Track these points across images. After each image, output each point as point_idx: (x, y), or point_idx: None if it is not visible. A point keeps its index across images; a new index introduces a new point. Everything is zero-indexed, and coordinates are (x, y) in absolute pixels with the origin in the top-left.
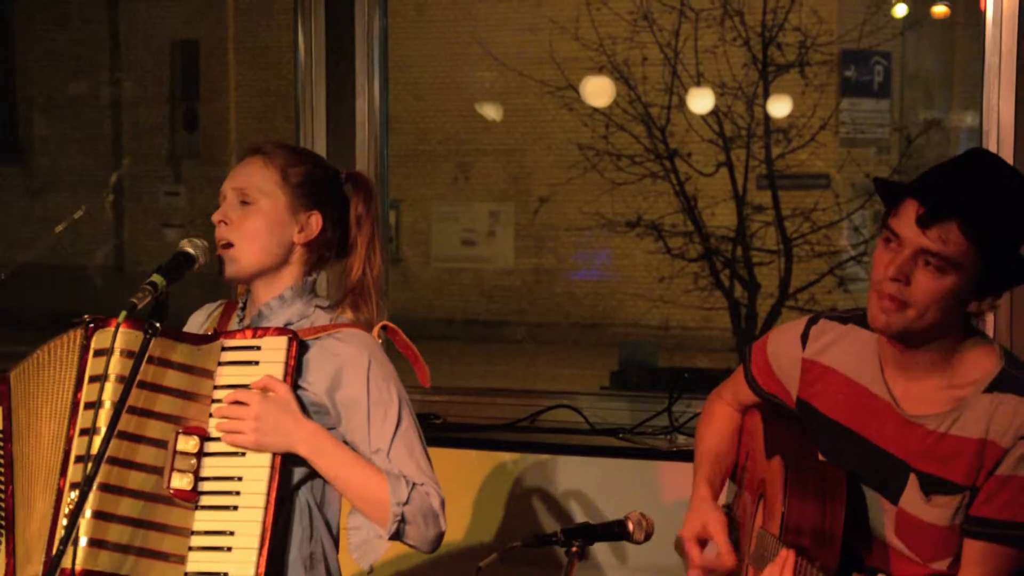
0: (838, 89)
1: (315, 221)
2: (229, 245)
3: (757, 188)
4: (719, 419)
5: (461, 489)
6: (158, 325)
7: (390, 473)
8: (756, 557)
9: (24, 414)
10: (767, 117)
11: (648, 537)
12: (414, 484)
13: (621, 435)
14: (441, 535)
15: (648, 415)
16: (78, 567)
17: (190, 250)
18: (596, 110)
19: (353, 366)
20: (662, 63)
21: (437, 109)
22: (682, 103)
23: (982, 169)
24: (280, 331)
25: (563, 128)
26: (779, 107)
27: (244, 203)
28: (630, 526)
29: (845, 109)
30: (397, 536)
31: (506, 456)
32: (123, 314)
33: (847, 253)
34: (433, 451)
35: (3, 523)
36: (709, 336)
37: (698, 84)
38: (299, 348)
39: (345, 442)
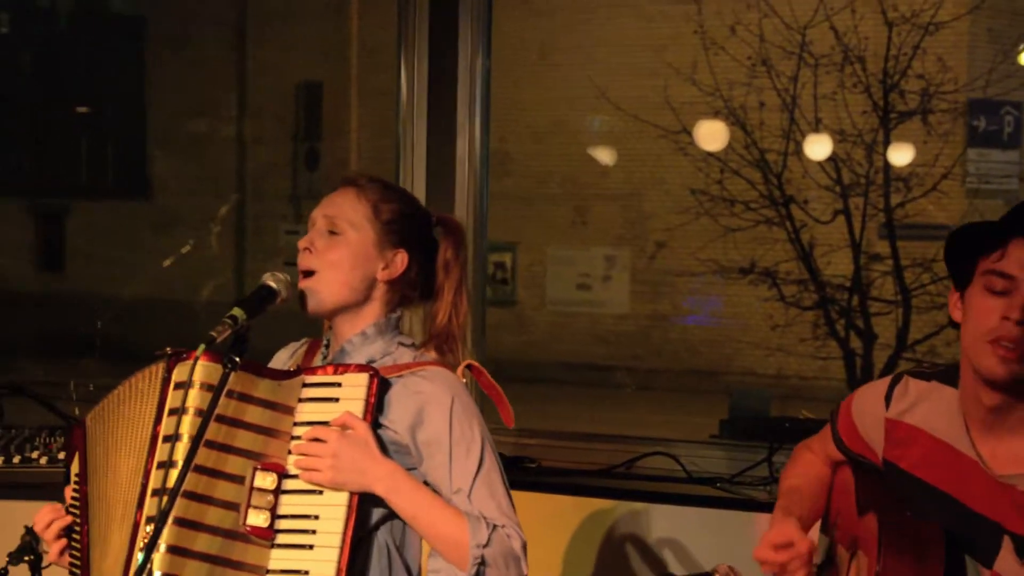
0: (965, 138)
1: (401, 259)
2: (311, 273)
3: (876, 237)
4: (804, 464)
5: (552, 535)
6: (237, 359)
7: (470, 514)
8: None
9: (102, 451)
10: (887, 165)
11: None
12: (495, 526)
13: (718, 484)
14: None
15: (747, 465)
16: None
17: (272, 284)
18: (711, 155)
19: (436, 404)
20: (780, 108)
21: (557, 153)
22: (799, 149)
23: None
24: (361, 368)
25: (680, 173)
26: (900, 155)
27: (332, 232)
28: None
29: (972, 160)
30: None
31: (599, 503)
32: (201, 347)
33: None
34: (525, 495)
35: (78, 563)
36: (825, 386)
37: (816, 130)
38: (380, 385)
39: (426, 483)
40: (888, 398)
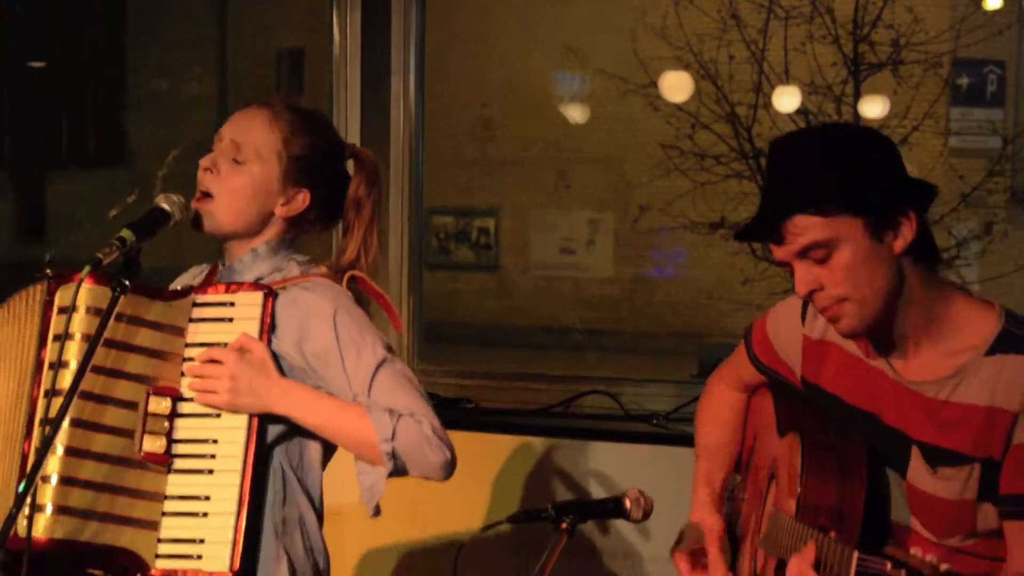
0: (941, 92)
1: (302, 198)
2: (208, 196)
3: None
4: (721, 405)
5: (488, 473)
6: (127, 283)
7: (372, 409)
8: (768, 540)
9: None
10: (857, 117)
11: (647, 516)
12: (399, 416)
13: (655, 421)
14: (448, 460)
15: (686, 401)
16: (43, 535)
17: (165, 206)
18: (681, 109)
19: (318, 315)
20: (749, 61)
21: (538, 117)
22: (768, 103)
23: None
24: (255, 286)
25: (653, 130)
26: (871, 107)
27: (236, 160)
28: (627, 503)
29: (956, 119)
30: (399, 472)
31: (536, 440)
32: (86, 269)
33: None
34: (462, 435)
35: None
36: None
37: (785, 83)
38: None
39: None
40: (803, 314)
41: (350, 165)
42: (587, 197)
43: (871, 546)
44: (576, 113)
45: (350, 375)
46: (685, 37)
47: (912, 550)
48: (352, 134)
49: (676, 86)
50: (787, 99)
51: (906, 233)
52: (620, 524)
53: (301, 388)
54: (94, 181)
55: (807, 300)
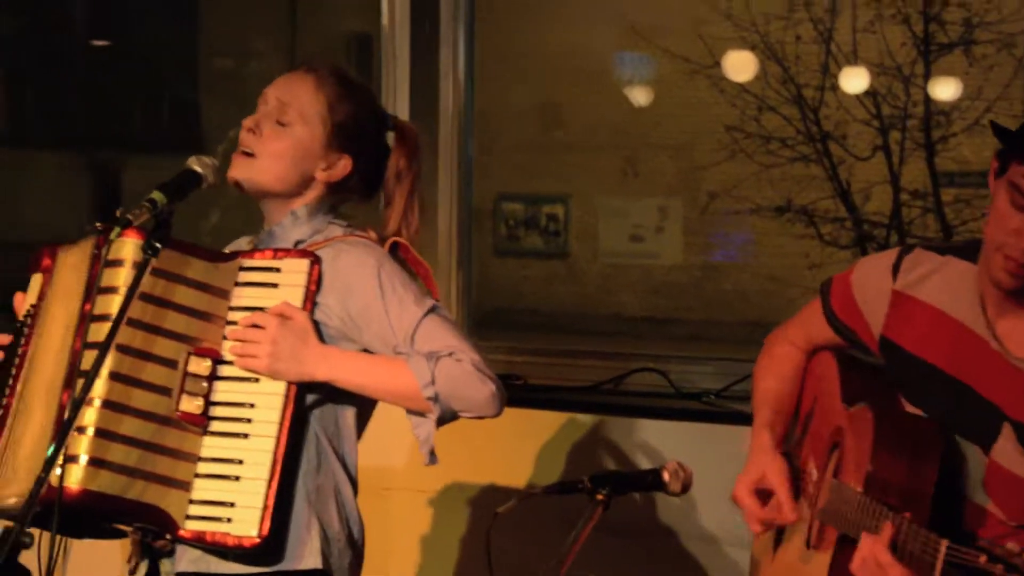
0: (1021, 77)
1: (344, 165)
2: (250, 155)
3: (917, 173)
4: (782, 360)
5: (533, 449)
6: (158, 245)
7: (410, 357)
8: (829, 512)
9: (48, 307)
10: (927, 98)
11: (686, 489)
12: (438, 358)
13: (705, 399)
14: (494, 393)
15: (736, 379)
16: (76, 486)
17: (197, 168)
18: (746, 90)
19: (362, 271)
20: (816, 41)
21: (606, 103)
22: (836, 85)
23: None
24: (302, 253)
25: (727, 117)
26: (941, 88)
27: (280, 122)
28: (666, 476)
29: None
30: (447, 414)
31: (584, 417)
32: (116, 229)
33: None
34: (509, 411)
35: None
36: None
37: (853, 63)
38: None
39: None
40: (896, 269)
41: (391, 138)
42: (656, 184)
43: (943, 526)
44: (642, 97)
45: (394, 327)
46: (751, 17)
47: (981, 542)
48: (400, 108)
49: (739, 66)
50: (855, 80)
51: None
52: (665, 502)
53: (340, 352)
54: (168, 163)
55: (1010, 243)
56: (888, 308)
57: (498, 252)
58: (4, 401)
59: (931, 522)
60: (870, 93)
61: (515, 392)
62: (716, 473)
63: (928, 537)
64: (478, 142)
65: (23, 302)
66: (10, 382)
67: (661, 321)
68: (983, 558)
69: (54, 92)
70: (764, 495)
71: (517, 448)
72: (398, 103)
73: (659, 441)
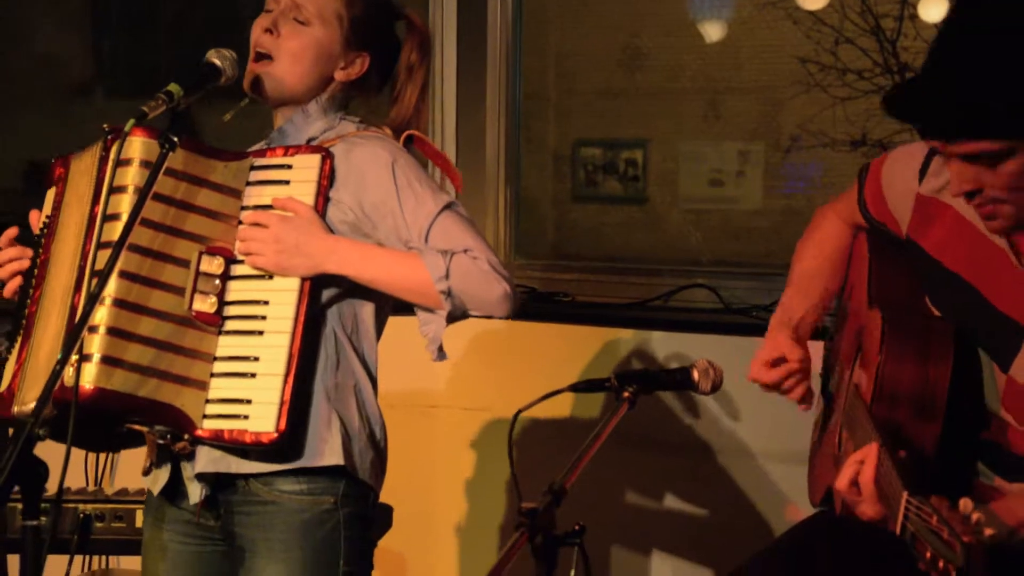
0: None
1: (361, 63)
2: (267, 57)
3: None
4: (827, 235)
5: (580, 365)
6: (175, 139)
7: (424, 252)
8: (848, 421)
9: (62, 214)
10: None
11: (716, 388)
12: (452, 253)
13: (754, 313)
14: (508, 293)
15: None
16: (90, 385)
17: (216, 60)
18: (821, 21)
19: (376, 165)
20: None
21: (688, 46)
22: (915, 15)
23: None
24: (313, 148)
25: (801, 50)
26: None
27: (298, 20)
28: (695, 374)
29: None
30: (459, 311)
31: (629, 332)
32: (131, 122)
33: None
34: (555, 327)
35: (22, 328)
36: None
37: None
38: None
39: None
40: (923, 171)
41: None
42: (737, 127)
43: (966, 439)
44: (723, 39)
45: (408, 222)
46: None
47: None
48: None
49: None
50: (935, 9)
51: None
52: (710, 418)
53: (351, 243)
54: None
55: (961, 195)
56: (912, 209)
57: (576, 197)
58: (26, 311)
59: (950, 433)
60: None
61: (562, 308)
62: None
63: (896, 483)
64: (557, 86)
65: (39, 217)
66: (31, 291)
67: (740, 265)
68: (934, 519)
69: (141, 39)
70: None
71: (564, 364)
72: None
73: (708, 356)
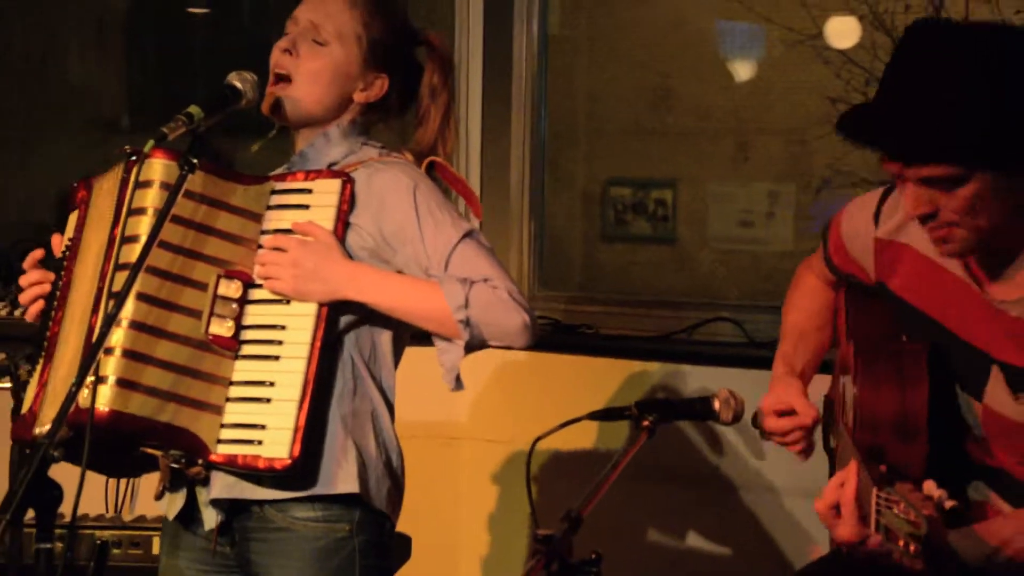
0: None
1: (381, 84)
2: (286, 79)
3: None
4: (807, 293)
5: (603, 397)
6: (195, 161)
7: (443, 280)
8: (841, 457)
9: (84, 236)
10: None
11: (737, 418)
12: (472, 282)
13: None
14: (527, 323)
15: None
16: (105, 407)
17: (237, 83)
18: (851, 61)
19: (397, 191)
20: (925, 11)
21: (719, 86)
22: None
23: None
24: (334, 173)
25: (831, 89)
26: None
27: (316, 41)
28: (716, 404)
29: None
30: (477, 340)
31: (654, 365)
32: (150, 143)
33: None
34: (579, 359)
35: (44, 349)
36: None
37: None
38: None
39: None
40: (877, 215)
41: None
42: (766, 168)
43: (953, 461)
44: (753, 79)
45: (428, 249)
46: None
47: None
48: (475, 44)
49: (843, 31)
50: None
51: None
52: (735, 454)
53: (370, 270)
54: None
55: (916, 218)
56: (874, 254)
57: (605, 237)
58: (48, 333)
59: (932, 453)
60: None
61: (587, 340)
62: None
63: (867, 483)
64: (587, 126)
65: (60, 241)
66: (52, 313)
67: (769, 308)
68: (901, 505)
69: (174, 73)
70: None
71: (586, 396)
72: (472, 37)
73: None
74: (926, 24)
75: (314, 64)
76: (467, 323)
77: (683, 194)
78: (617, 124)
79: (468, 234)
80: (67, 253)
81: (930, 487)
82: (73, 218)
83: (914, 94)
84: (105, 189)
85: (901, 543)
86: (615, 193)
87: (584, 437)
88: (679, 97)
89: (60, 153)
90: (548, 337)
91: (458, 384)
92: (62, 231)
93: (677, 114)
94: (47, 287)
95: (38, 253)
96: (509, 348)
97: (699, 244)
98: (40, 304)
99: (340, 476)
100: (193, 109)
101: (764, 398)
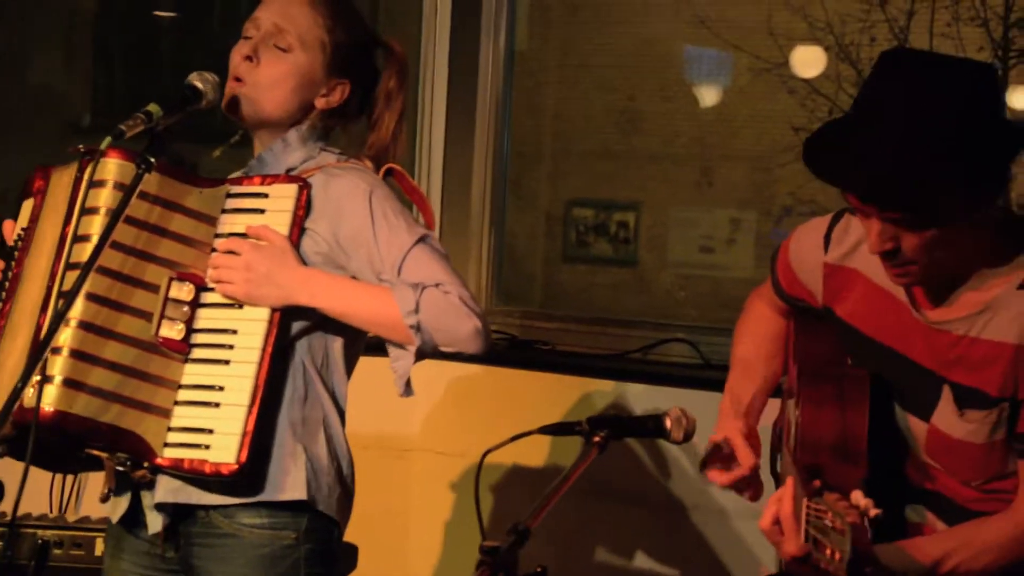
0: None
1: (342, 90)
2: (245, 83)
3: None
4: (756, 321)
5: (558, 414)
6: (152, 160)
7: (394, 286)
8: (782, 476)
9: (39, 227)
10: (1004, 107)
11: (688, 437)
12: (423, 287)
13: None
14: (479, 329)
15: None
16: (50, 407)
17: (198, 84)
18: (816, 91)
19: (353, 196)
20: (891, 44)
21: (685, 112)
22: None
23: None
24: (290, 178)
25: (795, 118)
26: (1020, 96)
27: (279, 47)
28: (668, 423)
29: None
30: (429, 346)
31: (607, 384)
32: (107, 140)
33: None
34: (534, 375)
35: None
36: None
37: None
38: (309, 196)
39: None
40: (827, 240)
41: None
42: (729, 195)
43: (896, 484)
44: (719, 105)
45: (382, 254)
46: (826, 16)
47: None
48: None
49: (808, 61)
50: None
51: (994, 209)
52: (683, 475)
53: (323, 275)
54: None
55: (879, 255)
56: (823, 279)
57: (566, 257)
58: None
59: (873, 478)
60: None
61: (542, 356)
62: None
63: (800, 497)
64: (552, 146)
65: (13, 228)
66: (0, 305)
67: (726, 331)
68: (829, 515)
69: (141, 75)
70: (733, 460)
71: (540, 412)
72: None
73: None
74: (899, 55)
75: (275, 72)
76: (417, 328)
77: (646, 217)
78: (582, 145)
79: (422, 239)
80: (19, 243)
81: (857, 496)
82: (28, 206)
83: (887, 135)
84: (63, 183)
85: (828, 552)
86: (577, 214)
87: (536, 453)
88: (645, 120)
89: (24, 157)
90: (504, 352)
91: (408, 390)
92: (15, 218)
93: (643, 137)
94: None
95: None
96: (461, 355)
97: (660, 267)
98: None
99: (288, 483)
100: (152, 107)
101: (709, 440)
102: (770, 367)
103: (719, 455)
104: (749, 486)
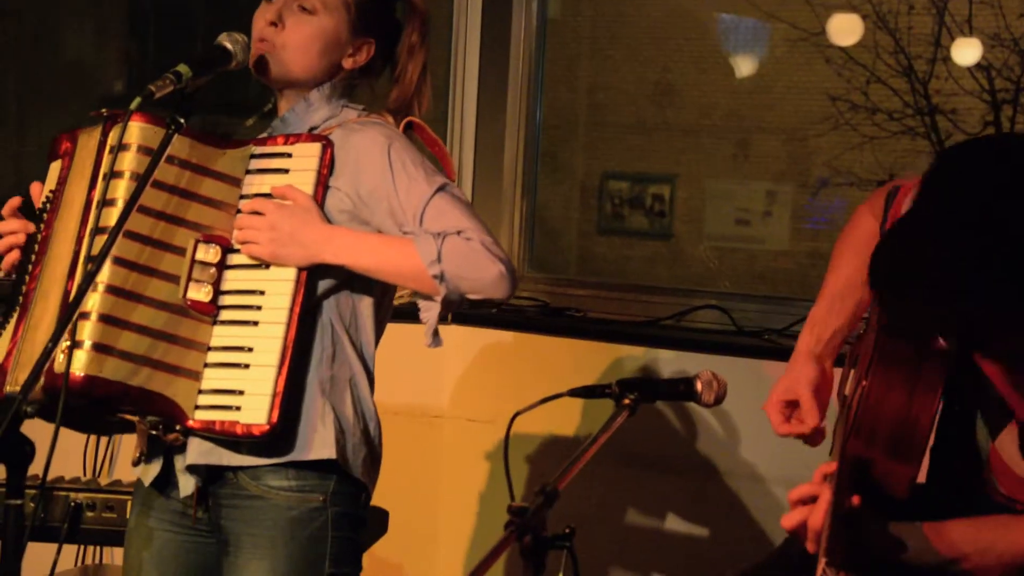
0: None
1: (367, 49)
2: (271, 46)
3: None
4: (862, 236)
5: (591, 381)
6: (182, 120)
7: (418, 238)
8: (835, 436)
9: (67, 190)
10: None
11: (719, 400)
12: (445, 236)
13: (767, 336)
14: (503, 273)
15: (798, 319)
16: (80, 372)
17: (227, 44)
18: (853, 60)
19: (372, 150)
20: (928, 12)
21: (720, 84)
22: (948, 57)
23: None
24: (313, 137)
25: (832, 86)
26: None
27: (303, 8)
28: (699, 386)
29: None
30: (455, 295)
31: (641, 350)
32: (136, 101)
33: None
34: (566, 341)
35: (19, 304)
36: None
37: (967, 34)
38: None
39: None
40: None
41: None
42: (765, 167)
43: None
44: (755, 77)
45: (403, 205)
46: None
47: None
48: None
49: (845, 29)
50: (968, 52)
51: None
52: (715, 440)
53: (346, 232)
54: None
55: None
56: None
57: (601, 230)
58: (24, 288)
59: (937, 474)
60: (983, 66)
61: (573, 323)
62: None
63: (824, 543)
64: (587, 119)
65: (41, 191)
66: (31, 268)
67: (760, 298)
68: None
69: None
70: (794, 405)
71: (571, 378)
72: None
73: None
74: (967, 153)
75: (301, 35)
76: (441, 278)
77: (681, 190)
78: (617, 117)
79: (442, 187)
80: (48, 205)
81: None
82: (55, 168)
83: (962, 250)
84: (89, 147)
85: None
86: (613, 187)
87: (567, 420)
88: (680, 92)
89: (56, 129)
90: (535, 318)
91: (436, 340)
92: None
93: (678, 109)
94: (22, 237)
95: (16, 201)
96: (490, 301)
97: (695, 241)
98: (15, 255)
99: (316, 441)
100: (181, 68)
101: (779, 381)
102: (866, 292)
103: (781, 393)
104: (810, 436)
